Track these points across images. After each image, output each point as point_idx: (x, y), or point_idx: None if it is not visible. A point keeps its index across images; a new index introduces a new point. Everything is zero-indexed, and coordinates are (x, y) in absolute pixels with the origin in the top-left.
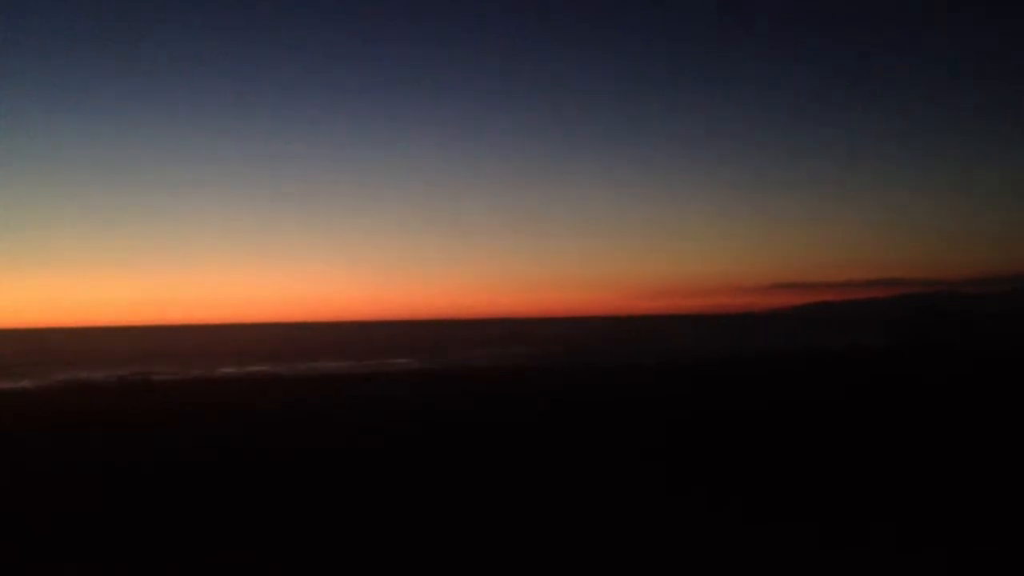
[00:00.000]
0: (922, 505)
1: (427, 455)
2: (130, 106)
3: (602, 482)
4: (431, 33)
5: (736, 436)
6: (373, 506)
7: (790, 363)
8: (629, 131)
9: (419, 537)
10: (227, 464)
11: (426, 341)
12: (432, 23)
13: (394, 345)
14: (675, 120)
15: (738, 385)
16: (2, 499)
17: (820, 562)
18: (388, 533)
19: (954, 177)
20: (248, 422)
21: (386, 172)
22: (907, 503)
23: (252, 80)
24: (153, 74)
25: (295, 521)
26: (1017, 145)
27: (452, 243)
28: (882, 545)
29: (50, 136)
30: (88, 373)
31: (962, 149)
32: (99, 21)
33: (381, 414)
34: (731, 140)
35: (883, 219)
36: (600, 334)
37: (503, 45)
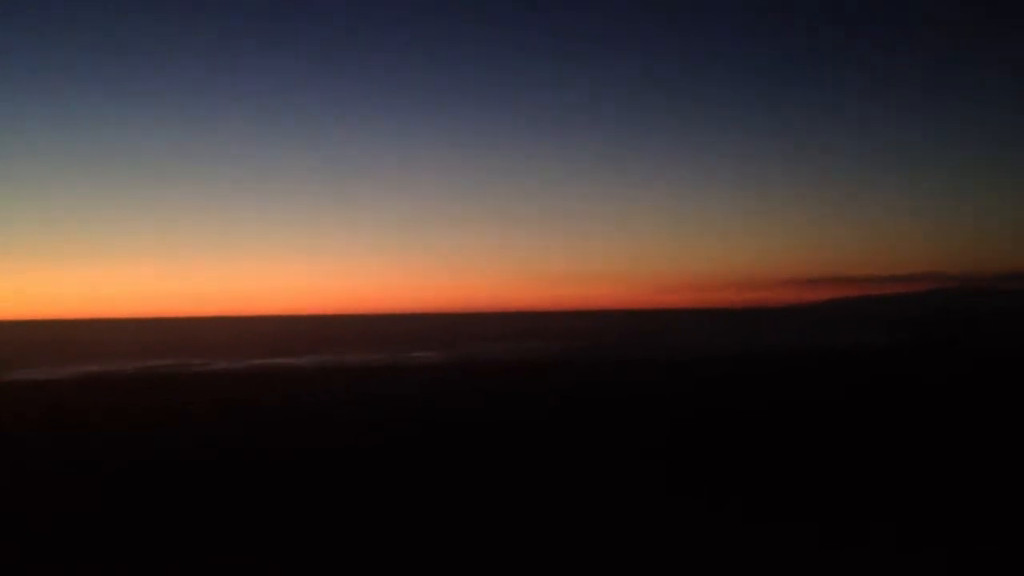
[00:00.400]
0: (922, 505)
1: (430, 455)
2: (161, 101)
3: (604, 482)
4: (460, 30)
5: (737, 436)
6: (374, 506)
7: (797, 361)
8: (659, 126)
9: (418, 537)
10: (231, 464)
11: (442, 335)
12: (459, 22)
13: (410, 338)
14: (707, 115)
15: (743, 384)
16: (2, 499)
17: (820, 562)
18: (387, 533)
19: (990, 171)
20: (260, 419)
21: (405, 166)
22: (907, 503)
23: (281, 71)
24: (187, 69)
25: (295, 521)
26: None
27: (471, 238)
28: (882, 545)
29: (76, 132)
30: (100, 366)
31: (1000, 143)
32: (107, 19)
33: (385, 411)
34: (762, 136)
35: (919, 214)
36: (622, 329)
37: (532, 44)
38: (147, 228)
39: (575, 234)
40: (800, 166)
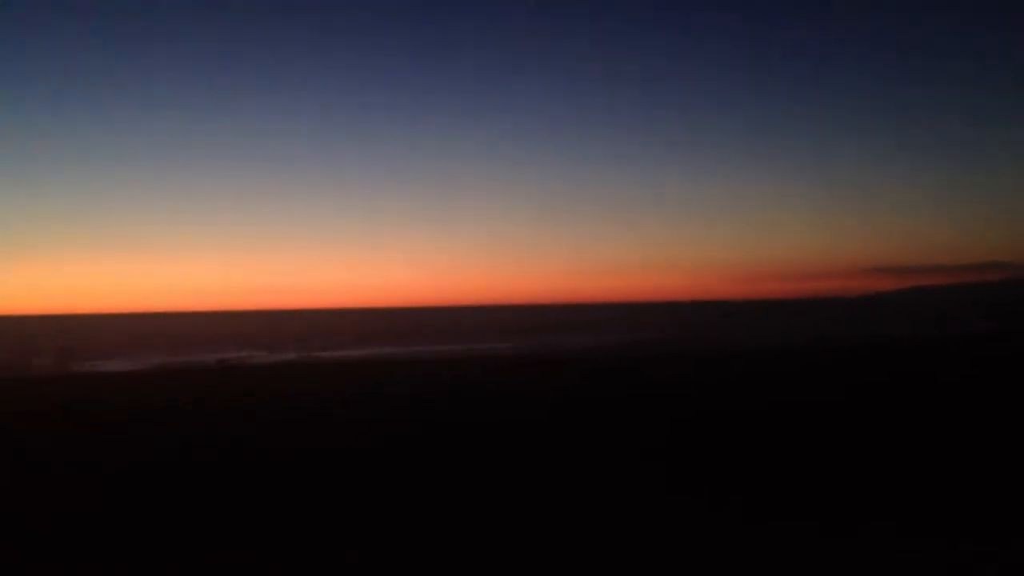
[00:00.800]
0: (922, 504)
1: (430, 455)
2: (221, 99)
3: (604, 481)
4: (537, 20)
5: (738, 435)
6: (374, 507)
7: (827, 356)
8: (715, 115)
9: (417, 537)
10: (231, 464)
11: (451, 330)
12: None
13: (422, 333)
14: (767, 106)
15: (753, 382)
16: (2, 498)
17: (820, 562)
18: (387, 533)
19: None
20: (261, 418)
21: (473, 157)
22: (907, 502)
23: (333, 64)
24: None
25: (295, 521)
26: None
27: (545, 227)
28: (882, 545)
29: (131, 125)
30: (111, 364)
31: None
32: (112, 13)
33: (385, 411)
34: (821, 124)
35: (985, 202)
36: (668, 321)
37: (603, 26)
38: (199, 223)
39: (631, 225)
40: (862, 154)
